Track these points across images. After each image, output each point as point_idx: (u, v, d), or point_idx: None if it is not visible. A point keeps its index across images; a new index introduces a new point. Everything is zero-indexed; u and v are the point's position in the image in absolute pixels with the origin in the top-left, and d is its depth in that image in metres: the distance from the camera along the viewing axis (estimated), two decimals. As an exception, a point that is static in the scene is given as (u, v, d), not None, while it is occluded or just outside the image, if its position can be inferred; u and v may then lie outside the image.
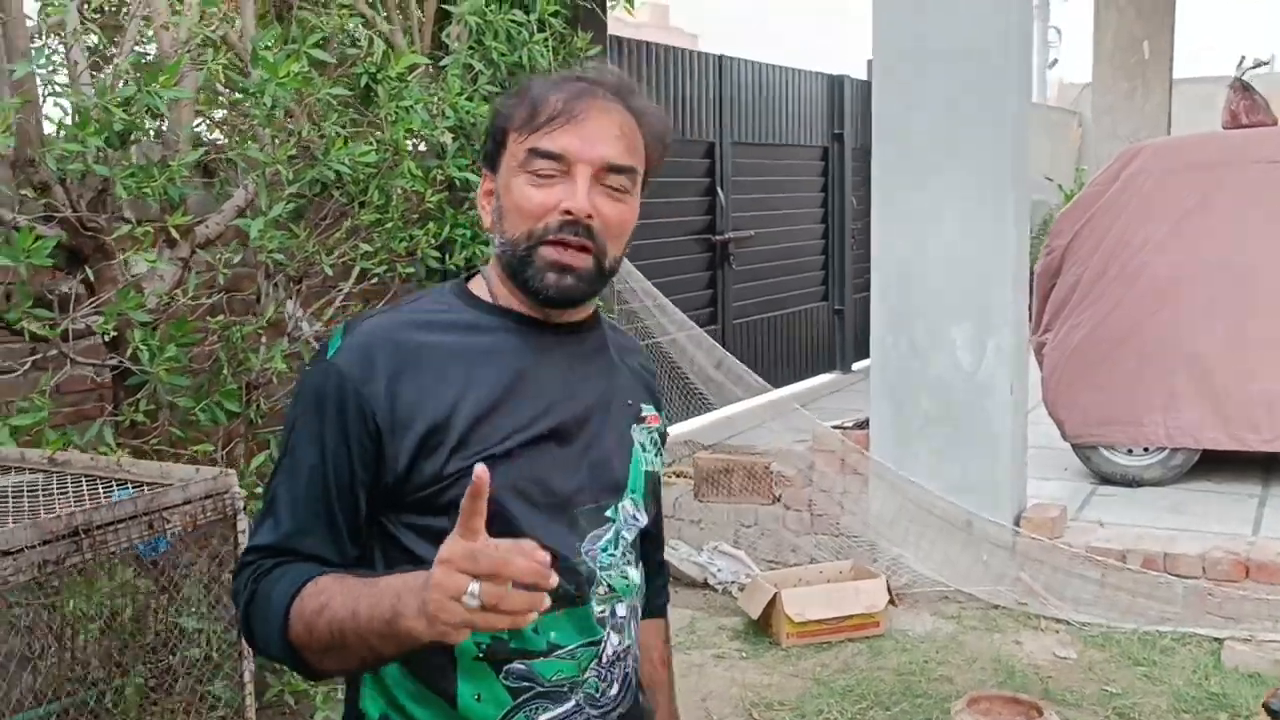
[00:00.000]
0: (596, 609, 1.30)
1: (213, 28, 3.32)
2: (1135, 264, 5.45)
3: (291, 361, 3.60)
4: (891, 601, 4.48)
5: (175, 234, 3.27)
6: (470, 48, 4.40)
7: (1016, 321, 4.66)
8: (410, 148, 3.95)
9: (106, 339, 3.10)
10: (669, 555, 5.03)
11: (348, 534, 1.26)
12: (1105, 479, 5.66)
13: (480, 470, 1.05)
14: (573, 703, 1.28)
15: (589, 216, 1.28)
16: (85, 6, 3.31)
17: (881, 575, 4.53)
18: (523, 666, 1.25)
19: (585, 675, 1.29)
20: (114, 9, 3.74)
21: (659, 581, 1.61)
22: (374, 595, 1.13)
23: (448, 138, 4.11)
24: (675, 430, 5.73)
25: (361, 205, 3.82)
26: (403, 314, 1.34)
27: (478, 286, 1.37)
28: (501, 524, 1.18)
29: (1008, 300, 4.56)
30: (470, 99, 4.26)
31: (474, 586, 1.02)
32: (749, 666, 4.23)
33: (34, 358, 3.12)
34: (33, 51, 3.10)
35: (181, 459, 3.19)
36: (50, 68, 3.00)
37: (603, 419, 1.37)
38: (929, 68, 4.57)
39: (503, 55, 4.49)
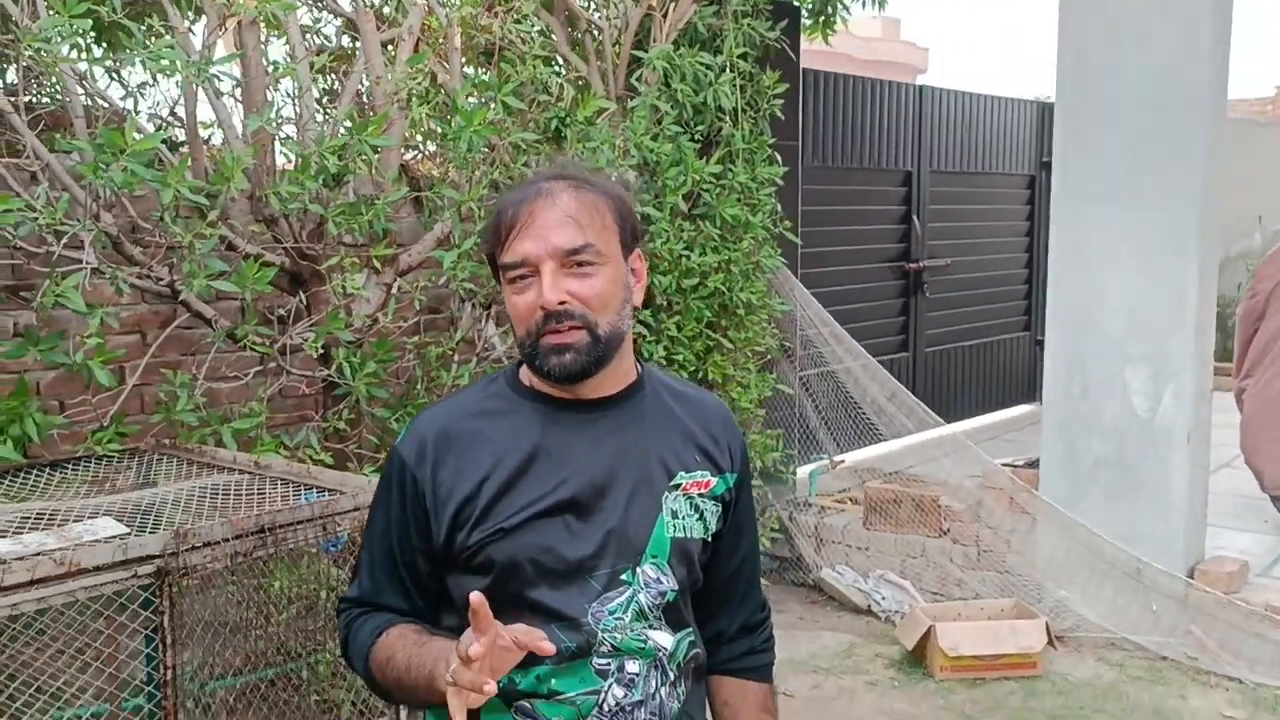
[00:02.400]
0: (598, 663, 1.49)
1: (417, 80, 3.71)
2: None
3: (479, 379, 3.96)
4: (1051, 643, 4.46)
5: (378, 263, 3.68)
6: (659, 90, 4.67)
7: (1198, 368, 4.55)
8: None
9: (315, 354, 3.52)
10: (833, 579, 5.17)
11: (415, 590, 1.55)
12: (1306, 534, 5.40)
13: (474, 598, 1.28)
14: None
15: (561, 304, 1.47)
16: (311, 64, 3.75)
17: (1041, 617, 4.51)
18: (528, 705, 1.48)
19: None
20: (333, 63, 4.20)
21: (750, 643, 1.72)
22: (421, 657, 1.43)
23: (631, 175, 4.39)
24: (849, 458, 5.82)
25: (546, 238, 4.14)
26: (458, 402, 1.59)
27: (524, 373, 1.59)
28: (515, 585, 1.47)
29: (1189, 346, 4.47)
30: (655, 139, 4.53)
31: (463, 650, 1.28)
32: (899, 695, 4.32)
33: (256, 369, 3.58)
34: (268, 102, 3.57)
35: (379, 464, 3.59)
36: (278, 122, 3.45)
37: (624, 488, 1.51)
38: (1114, 106, 4.53)
39: (688, 96, 4.74)
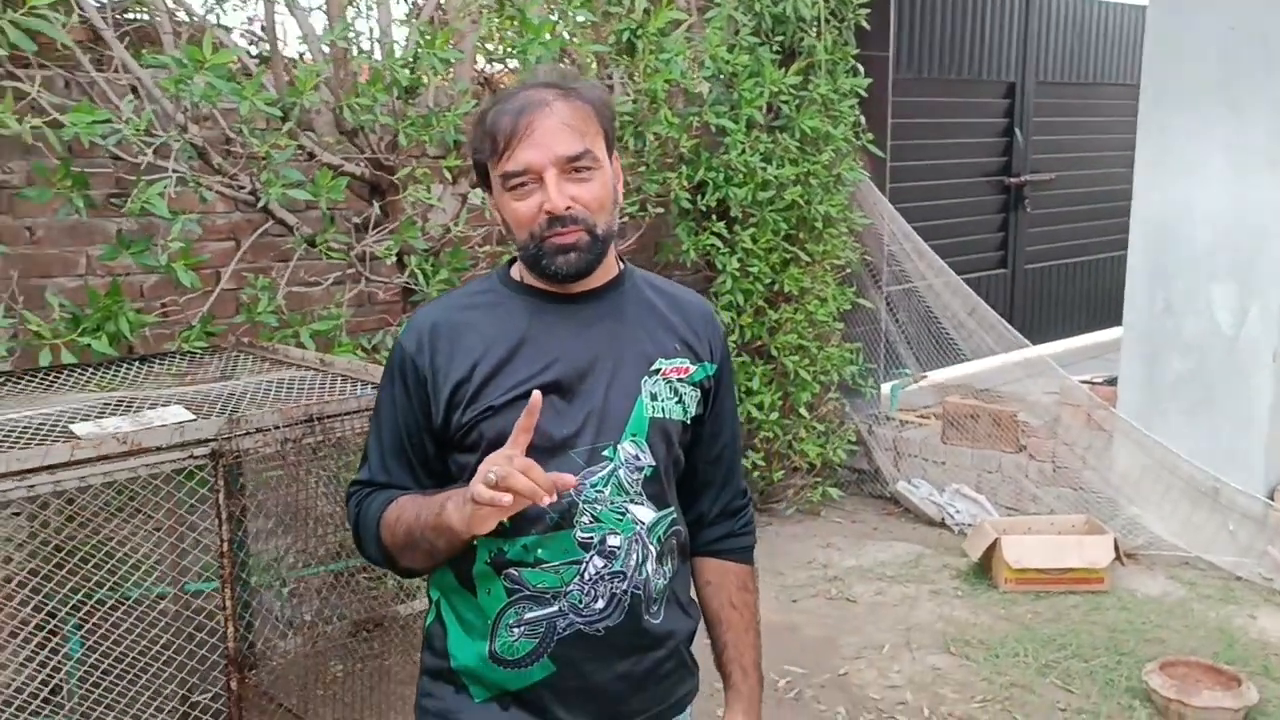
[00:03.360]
0: (581, 535, 1.60)
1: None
2: None
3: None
4: (1119, 559, 4.46)
5: (449, 174, 3.81)
6: (737, 1, 4.65)
7: (1289, 285, 4.41)
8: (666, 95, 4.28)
9: (388, 262, 3.69)
10: (907, 491, 5.22)
11: (420, 469, 1.68)
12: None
13: (534, 396, 1.44)
14: (556, 608, 1.60)
15: (567, 208, 1.57)
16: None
17: (1110, 533, 4.50)
18: (515, 573, 1.60)
19: (568, 588, 1.60)
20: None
21: (730, 526, 1.82)
22: (429, 502, 1.56)
23: (704, 87, 4.42)
24: (932, 376, 5.82)
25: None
26: (453, 298, 1.72)
27: (515, 269, 1.70)
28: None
29: (1278, 263, 4.33)
30: (731, 50, 4.54)
31: (495, 470, 1.40)
32: (960, 605, 4.38)
33: (336, 275, 3.77)
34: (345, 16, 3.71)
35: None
36: (354, 35, 3.58)
37: (605, 371, 1.62)
38: (1208, 7, 4.35)
39: (767, 6, 4.71)
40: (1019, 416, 5.17)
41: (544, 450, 1.58)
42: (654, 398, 1.65)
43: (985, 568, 4.61)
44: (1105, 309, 8.25)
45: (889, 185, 5.85)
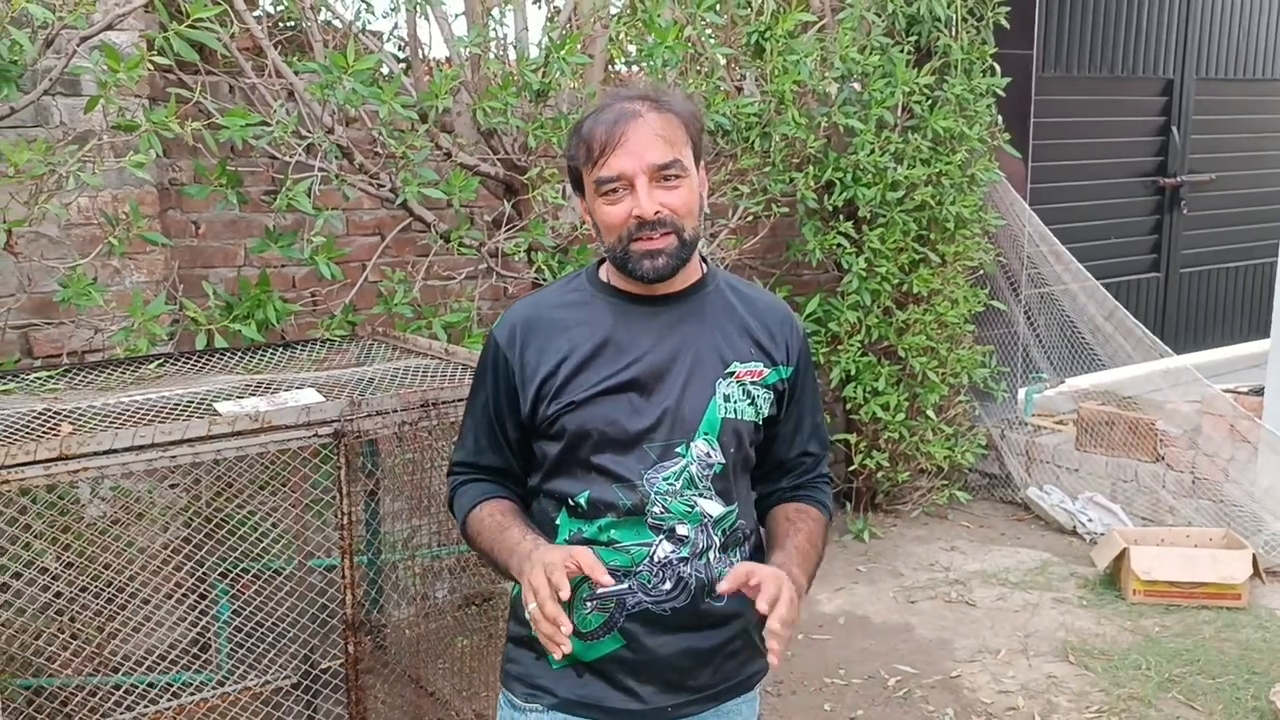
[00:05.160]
0: (652, 521, 1.71)
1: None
2: None
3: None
4: (1259, 576, 4.30)
5: (577, 174, 3.95)
6: (869, 1, 4.66)
7: None
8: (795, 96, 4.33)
9: (519, 258, 3.86)
10: (1038, 498, 5.15)
11: (509, 451, 1.82)
12: None
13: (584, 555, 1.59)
14: (627, 585, 1.71)
15: (656, 214, 1.67)
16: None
17: (1249, 548, 4.34)
18: (592, 551, 1.69)
19: (638, 568, 1.71)
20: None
21: (810, 496, 1.86)
22: (503, 547, 1.72)
23: (833, 87, 4.45)
24: (1070, 383, 5.68)
25: (743, 151, 4.30)
26: (544, 295, 1.83)
27: (603, 270, 1.81)
28: (584, 451, 1.71)
29: None
30: (862, 50, 4.55)
31: (531, 607, 1.56)
32: (1084, 614, 4.30)
33: (468, 270, 3.96)
34: (483, 22, 3.89)
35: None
36: (483, 40, 3.75)
37: (682, 372, 1.72)
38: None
39: (900, 6, 4.70)
40: (1157, 425, 5.02)
41: (619, 443, 1.71)
42: (727, 399, 1.74)
43: (1114, 578, 4.50)
44: (1268, 315, 7.87)
45: (1029, 186, 5.74)
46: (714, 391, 1.74)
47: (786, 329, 1.83)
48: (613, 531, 1.72)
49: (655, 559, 1.71)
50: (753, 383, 1.77)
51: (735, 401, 1.75)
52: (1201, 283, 7.45)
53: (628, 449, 1.71)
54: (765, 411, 1.79)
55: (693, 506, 1.73)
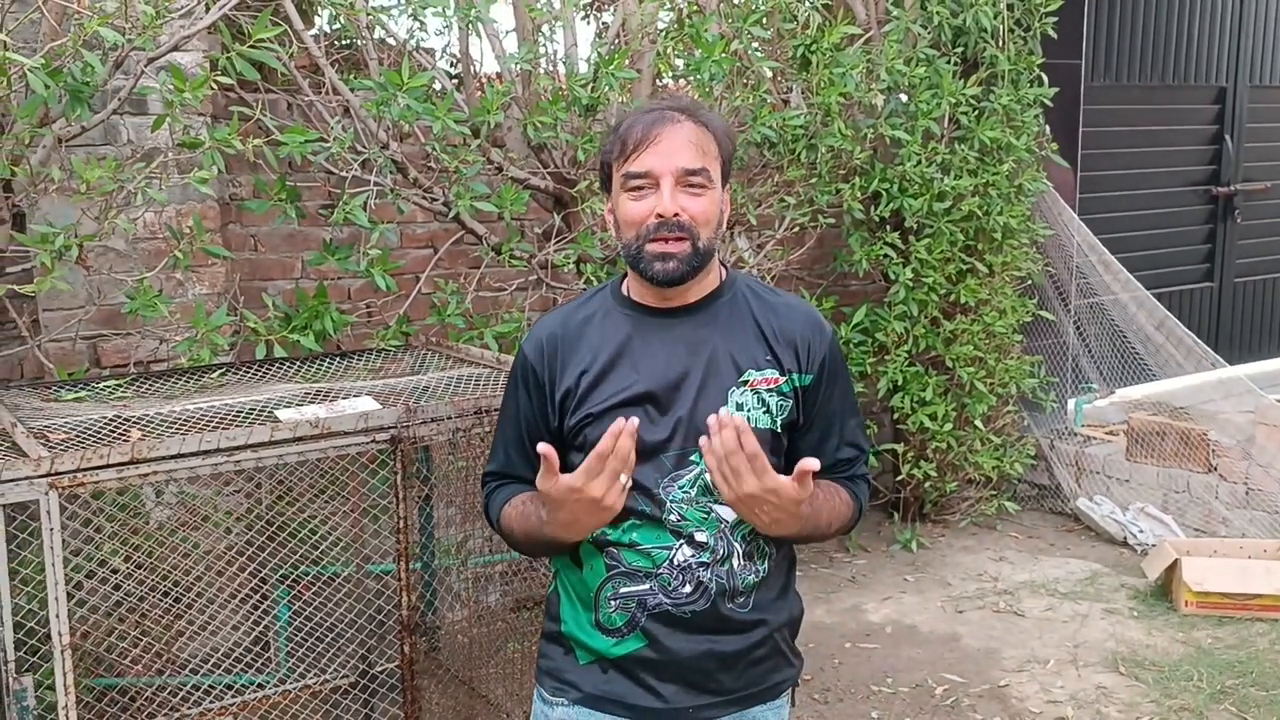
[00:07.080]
0: (672, 526, 1.75)
1: (669, 10, 3.98)
2: None
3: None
4: (1313, 588, 4.25)
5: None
6: (915, 13, 4.69)
7: None
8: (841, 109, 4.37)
9: (568, 270, 3.93)
10: (1088, 509, 5.13)
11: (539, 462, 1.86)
12: None
13: (542, 449, 1.65)
14: (648, 586, 1.76)
15: (676, 215, 1.71)
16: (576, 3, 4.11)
17: (1303, 559, 4.30)
18: (615, 551, 1.77)
19: (659, 570, 1.75)
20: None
21: (844, 483, 1.87)
22: (526, 518, 1.80)
23: (879, 99, 4.48)
24: (1120, 394, 5.65)
25: (790, 163, 4.34)
26: (570, 308, 1.88)
27: (626, 283, 1.86)
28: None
29: None
30: (907, 62, 4.58)
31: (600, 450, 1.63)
32: (1135, 625, 4.28)
33: (518, 281, 4.04)
34: (532, 40, 3.98)
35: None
36: (533, 57, 3.83)
37: (695, 383, 1.76)
38: None
39: (946, 18, 4.72)
40: (1209, 435, 4.98)
41: (637, 454, 1.72)
42: (740, 407, 1.77)
43: (1166, 589, 4.48)
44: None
45: (1078, 195, 5.73)
46: (727, 400, 1.77)
47: (810, 334, 1.83)
48: (635, 534, 1.77)
49: (675, 562, 1.76)
50: (767, 390, 1.79)
51: (749, 409, 1.78)
52: (1256, 292, 7.36)
53: (645, 459, 1.74)
54: (782, 418, 1.80)
55: (709, 513, 1.77)
